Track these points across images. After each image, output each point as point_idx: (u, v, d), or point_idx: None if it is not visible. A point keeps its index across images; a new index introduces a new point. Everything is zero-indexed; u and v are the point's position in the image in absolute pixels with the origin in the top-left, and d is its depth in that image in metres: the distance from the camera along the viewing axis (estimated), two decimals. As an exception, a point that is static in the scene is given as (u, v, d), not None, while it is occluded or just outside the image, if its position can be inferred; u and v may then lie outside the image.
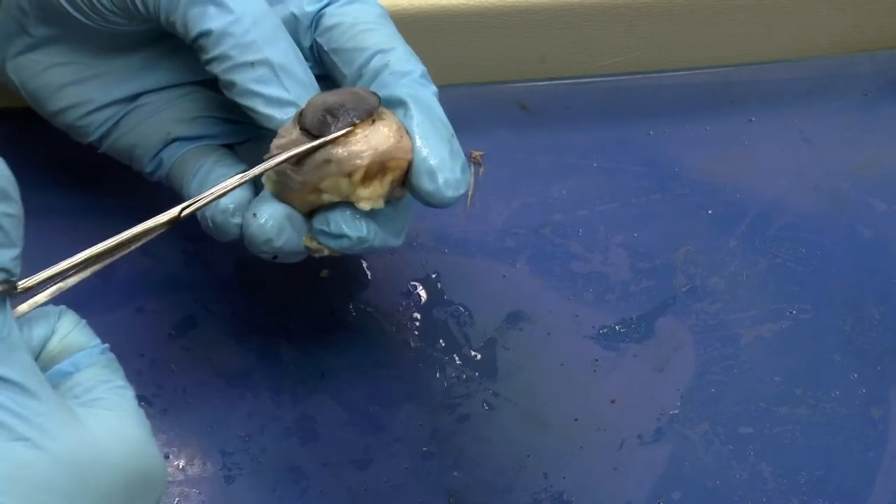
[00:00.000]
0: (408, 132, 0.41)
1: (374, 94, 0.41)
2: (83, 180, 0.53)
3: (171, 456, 0.48)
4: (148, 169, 0.47)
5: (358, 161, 0.39)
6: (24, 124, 0.51)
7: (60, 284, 0.36)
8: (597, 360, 0.53)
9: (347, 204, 0.41)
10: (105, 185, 0.52)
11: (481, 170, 0.57)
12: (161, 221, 0.38)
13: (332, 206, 0.41)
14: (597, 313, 0.54)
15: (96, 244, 0.36)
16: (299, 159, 0.40)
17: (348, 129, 0.39)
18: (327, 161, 0.40)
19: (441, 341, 0.52)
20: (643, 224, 0.57)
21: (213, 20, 0.40)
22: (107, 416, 0.35)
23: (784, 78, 0.63)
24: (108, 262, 0.37)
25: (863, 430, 0.53)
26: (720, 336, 0.55)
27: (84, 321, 0.38)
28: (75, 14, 0.42)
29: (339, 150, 0.39)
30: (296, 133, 0.40)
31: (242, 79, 0.40)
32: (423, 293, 0.54)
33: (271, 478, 0.49)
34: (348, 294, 0.53)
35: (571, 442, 0.51)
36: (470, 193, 0.57)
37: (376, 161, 0.40)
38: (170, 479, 0.48)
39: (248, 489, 0.48)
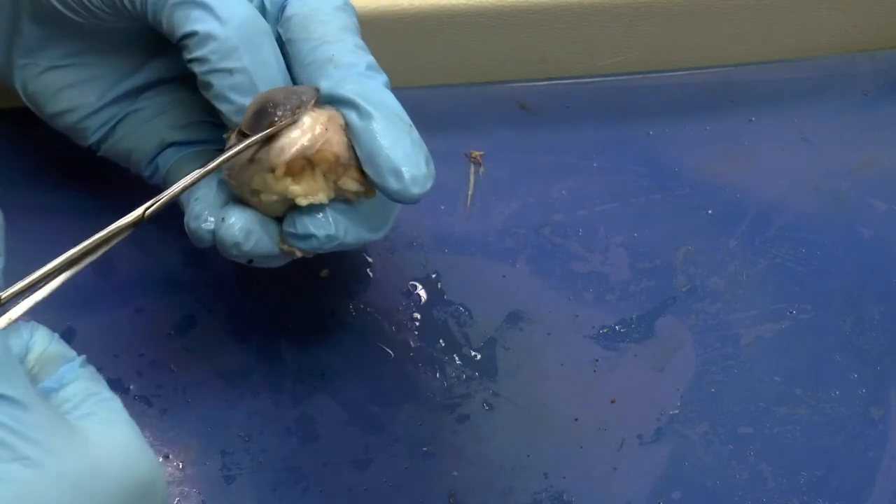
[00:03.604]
0: (356, 132, 0.40)
1: (312, 89, 0.41)
2: (84, 180, 0.53)
3: (171, 456, 0.48)
4: (146, 173, 0.48)
5: (277, 157, 0.40)
6: (24, 124, 0.51)
7: (35, 297, 0.36)
8: (597, 360, 0.53)
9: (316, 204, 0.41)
10: (106, 184, 0.52)
11: (481, 170, 0.57)
12: (126, 223, 0.38)
13: (298, 208, 0.41)
14: (597, 313, 0.54)
15: (63, 254, 0.36)
16: (232, 163, 0.41)
17: (271, 129, 0.40)
18: (251, 161, 0.40)
19: (441, 341, 0.52)
20: (643, 224, 0.57)
21: (197, 23, 0.40)
22: (103, 430, 0.35)
23: (784, 78, 0.63)
24: (76, 269, 0.37)
25: (863, 430, 0.53)
26: (720, 336, 0.55)
27: (57, 334, 0.37)
28: (66, 13, 0.43)
29: (260, 149, 0.40)
30: (234, 137, 0.41)
31: (219, 84, 0.41)
32: (423, 293, 0.54)
33: (271, 478, 0.49)
34: (348, 294, 0.53)
35: (571, 442, 0.51)
36: (470, 193, 0.57)
37: (297, 156, 0.40)
38: (170, 479, 0.48)
39: (248, 489, 0.48)
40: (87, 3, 0.42)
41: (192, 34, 0.40)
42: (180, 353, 0.51)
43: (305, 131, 0.40)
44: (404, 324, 0.53)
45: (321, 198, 0.41)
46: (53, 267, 0.36)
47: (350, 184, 0.41)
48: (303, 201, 0.40)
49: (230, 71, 0.40)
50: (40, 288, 0.36)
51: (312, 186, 0.40)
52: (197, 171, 0.40)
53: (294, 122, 0.40)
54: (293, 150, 0.40)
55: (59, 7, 0.42)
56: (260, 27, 0.41)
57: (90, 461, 0.33)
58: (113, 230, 0.38)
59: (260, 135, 0.40)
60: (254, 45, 0.41)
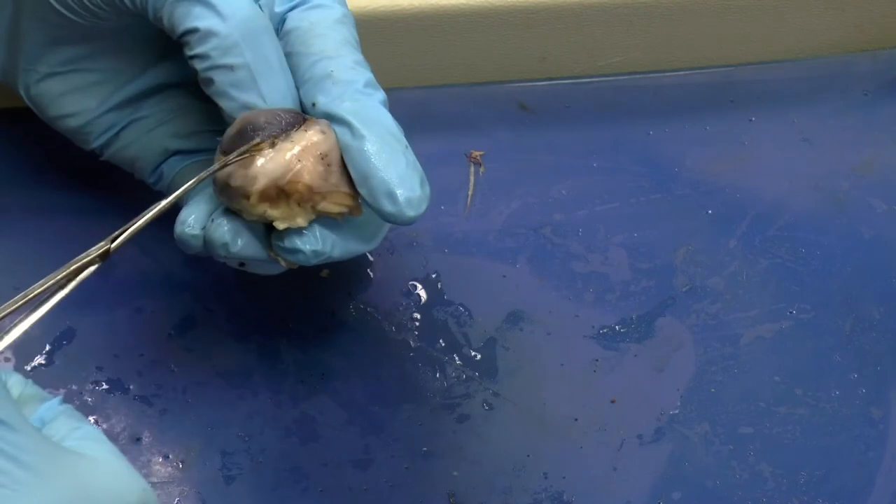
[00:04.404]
0: (350, 152, 0.40)
1: (295, 114, 0.40)
2: (86, 180, 0.53)
3: (171, 456, 0.48)
4: (150, 180, 0.48)
5: (250, 185, 0.39)
6: (25, 124, 0.51)
7: (7, 339, 0.35)
8: (597, 360, 0.53)
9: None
10: (107, 185, 0.52)
11: (481, 170, 0.57)
12: (93, 255, 0.37)
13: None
14: (597, 313, 0.54)
15: (26, 291, 0.36)
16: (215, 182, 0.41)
17: (241, 154, 0.40)
18: (227, 185, 0.40)
19: (441, 341, 0.53)
20: (643, 224, 0.57)
21: (198, 19, 0.40)
22: (93, 460, 0.35)
23: (784, 78, 0.63)
24: (46, 309, 0.36)
25: (863, 430, 0.53)
26: (720, 336, 0.55)
27: (30, 379, 0.37)
28: (66, 13, 0.42)
29: (236, 174, 0.40)
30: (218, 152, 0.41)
31: (221, 80, 0.41)
32: (423, 293, 0.54)
33: (271, 478, 0.49)
34: (348, 294, 0.53)
35: (571, 442, 0.51)
36: (470, 193, 0.57)
37: (270, 185, 0.39)
38: (170, 479, 0.48)
39: (248, 489, 0.48)
40: (86, 1, 0.42)
41: (194, 30, 0.40)
42: (180, 353, 0.51)
43: (278, 161, 0.40)
44: (404, 324, 0.53)
45: (300, 222, 0.41)
46: (18, 306, 0.35)
47: (331, 207, 0.41)
48: (281, 225, 0.40)
49: (231, 67, 0.40)
50: (12, 326, 0.36)
51: (289, 212, 0.40)
52: (164, 201, 0.39)
53: (272, 147, 0.40)
54: (263, 181, 0.39)
55: (58, 7, 0.42)
56: (261, 24, 0.41)
57: (81, 485, 0.33)
58: (79, 263, 0.37)
59: (230, 157, 0.40)
60: (255, 41, 0.41)
